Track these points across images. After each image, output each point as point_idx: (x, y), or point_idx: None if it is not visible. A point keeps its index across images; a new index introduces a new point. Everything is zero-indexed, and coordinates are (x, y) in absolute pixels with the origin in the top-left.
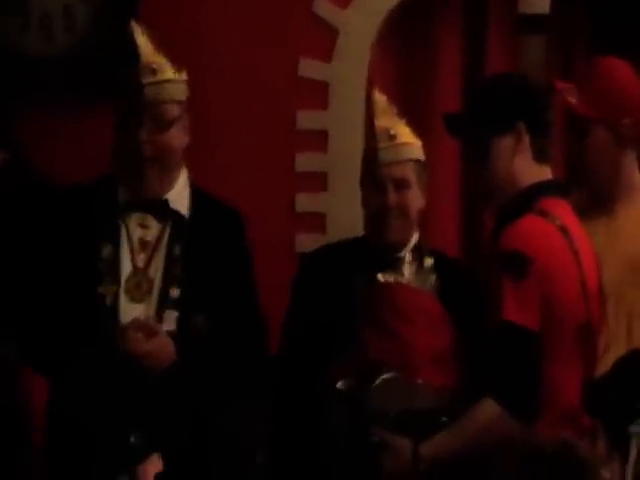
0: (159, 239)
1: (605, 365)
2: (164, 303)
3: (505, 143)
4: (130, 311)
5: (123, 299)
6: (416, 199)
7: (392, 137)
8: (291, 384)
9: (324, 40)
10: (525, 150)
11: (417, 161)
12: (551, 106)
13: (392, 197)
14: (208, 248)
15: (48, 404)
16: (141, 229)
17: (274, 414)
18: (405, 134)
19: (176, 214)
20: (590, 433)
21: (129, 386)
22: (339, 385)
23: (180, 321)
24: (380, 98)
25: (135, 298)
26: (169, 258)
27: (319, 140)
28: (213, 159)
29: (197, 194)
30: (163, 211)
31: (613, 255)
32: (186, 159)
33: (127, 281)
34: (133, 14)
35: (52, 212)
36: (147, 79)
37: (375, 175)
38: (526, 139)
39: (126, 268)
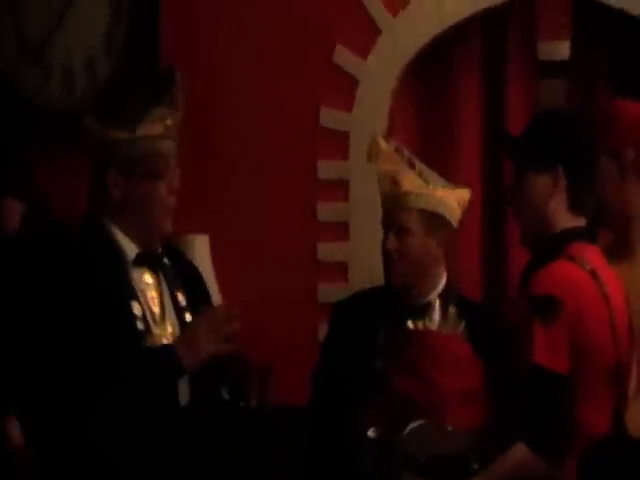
0: (161, 291)
1: (636, 407)
2: None
3: (542, 182)
4: None
5: None
6: (419, 248)
7: (394, 184)
8: (321, 433)
9: (345, 89)
10: (560, 195)
11: (424, 212)
12: (596, 162)
13: (391, 242)
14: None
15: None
16: (142, 282)
17: (305, 463)
18: (410, 183)
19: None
20: None
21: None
22: (369, 433)
23: None
24: (386, 146)
25: None
26: (178, 308)
27: (340, 189)
28: (233, 208)
29: None
30: (157, 263)
31: (636, 297)
32: (206, 209)
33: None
34: (154, 64)
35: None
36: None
37: (382, 221)
38: (563, 184)
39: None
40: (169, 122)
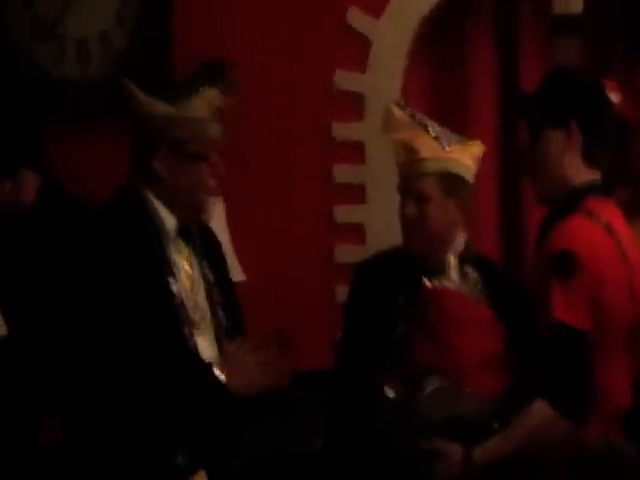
0: (192, 265)
1: None
2: (219, 331)
3: (556, 137)
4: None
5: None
6: (438, 213)
7: (411, 151)
8: (343, 396)
9: (358, 51)
10: (575, 149)
11: (442, 175)
12: (610, 116)
13: (409, 210)
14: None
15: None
16: (178, 255)
17: (328, 426)
18: (427, 148)
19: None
20: None
21: (180, 404)
22: (388, 394)
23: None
24: (400, 113)
25: (199, 330)
26: (207, 284)
27: (356, 151)
28: (250, 173)
29: None
30: (190, 238)
31: None
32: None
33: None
34: (167, 34)
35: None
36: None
37: (398, 187)
38: (577, 139)
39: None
40: (220, 105)
